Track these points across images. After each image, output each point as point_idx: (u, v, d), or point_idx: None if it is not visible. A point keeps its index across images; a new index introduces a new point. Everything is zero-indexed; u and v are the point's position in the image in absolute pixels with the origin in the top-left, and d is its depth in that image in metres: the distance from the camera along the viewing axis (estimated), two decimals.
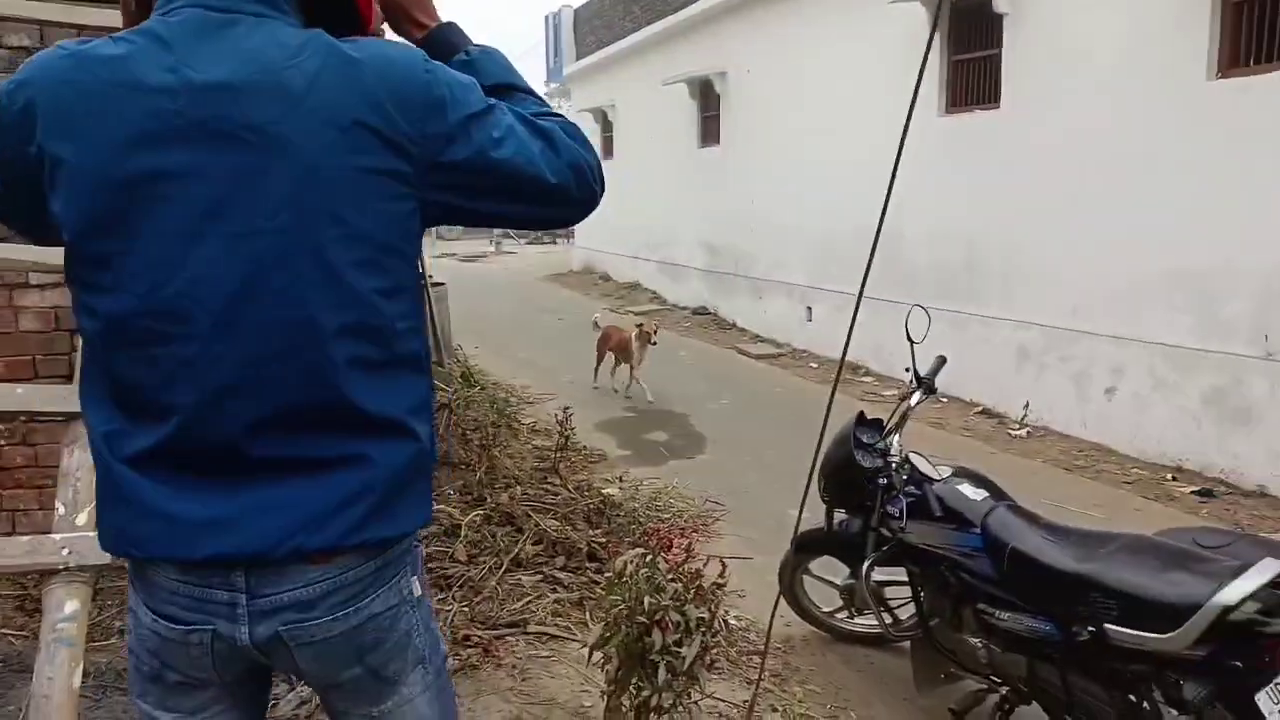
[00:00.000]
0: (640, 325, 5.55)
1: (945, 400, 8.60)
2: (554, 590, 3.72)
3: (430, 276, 8.93)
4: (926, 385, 3.65)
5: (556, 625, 3.51)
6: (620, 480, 5.89)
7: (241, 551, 1.24)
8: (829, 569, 4.01)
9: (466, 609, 3.46)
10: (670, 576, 2.62)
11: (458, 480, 4.37)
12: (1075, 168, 7.19)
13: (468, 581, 3.58)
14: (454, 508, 3.95)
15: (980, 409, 8.24)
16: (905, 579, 3.55)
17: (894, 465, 3.42)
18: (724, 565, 2.77)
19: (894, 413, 3.66)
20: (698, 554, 2.70)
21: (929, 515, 3.22)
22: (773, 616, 3.05)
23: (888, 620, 3.74)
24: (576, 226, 14.36)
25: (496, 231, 27.74)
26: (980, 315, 8.32)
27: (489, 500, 4.14)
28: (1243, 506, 5.82)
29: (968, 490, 3.22)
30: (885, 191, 2.67)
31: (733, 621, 4.17)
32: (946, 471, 3.34)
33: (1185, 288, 6.40)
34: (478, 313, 13.55)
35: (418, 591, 1.42)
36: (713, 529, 5.47)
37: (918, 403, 3.62)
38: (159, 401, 1.21)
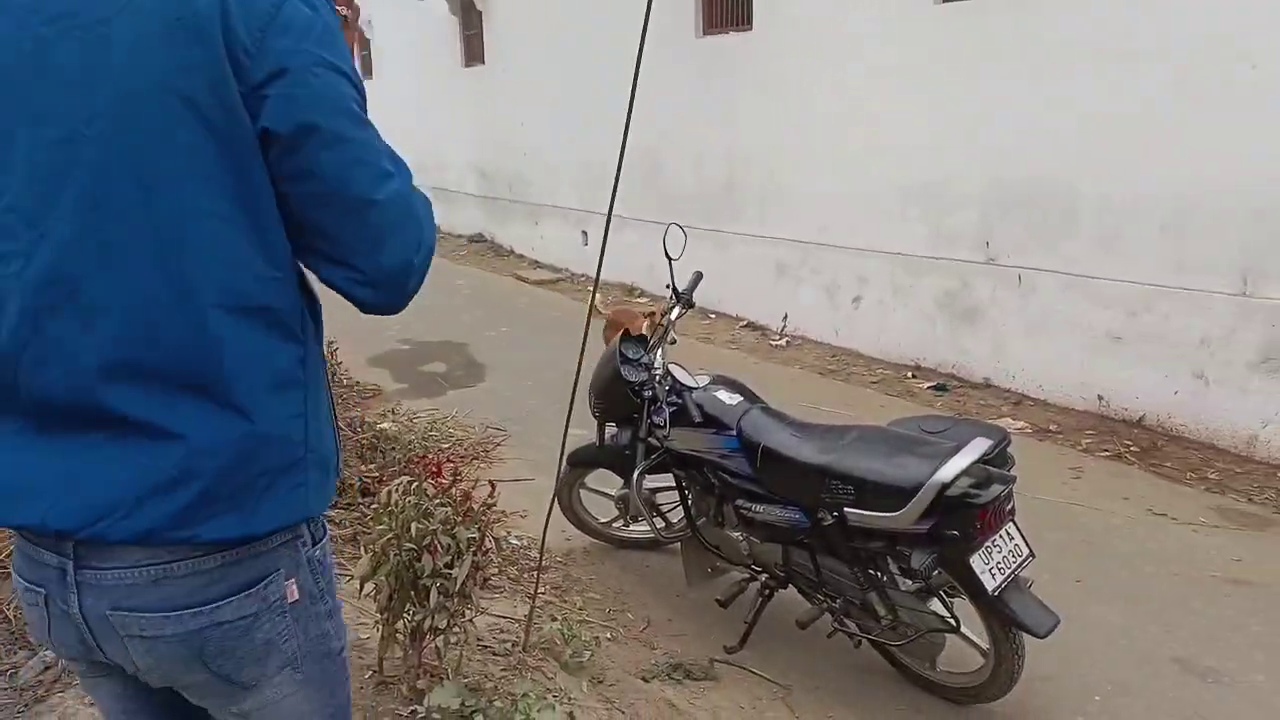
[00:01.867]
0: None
1: (714, 316, 9.00)
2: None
3: None
4: (684, 299, 3.80)
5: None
6: (392, 414, 5.77)
7: (46, 525, 1.13)
8: (604, 481, 4.15)
9: None
10: (438, 501, 2.61)
11: None
12: (818, 89, 7.59)
13: None
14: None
15: (745, 323, 8.67)
16: (673, 485, 3.74)
17: (657, 378, 3.55)
18: (493, 486, 2.79)
19: (656, 329, 3.79)
20: (465, 477, 2.69)
21: (690, 422, 3.39)
22: (545, 529, 3.12)
23: (659, 525, 3.93)
24: None
25: None
26: (741, 234, 8.70)
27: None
28: (971, 397, 6.51)
29: (723, 396, 3.41)
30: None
31: (514, 541, 4.24)
32: (705, 380, 3.51)
33: (919, 202, 6.96)
34: None
35: (292, 596, 1.26)
36: (494, 454, 5.50)
37: (677, 316, 3.76)
38: None
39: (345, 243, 1.20)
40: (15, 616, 3.00)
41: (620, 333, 5.38)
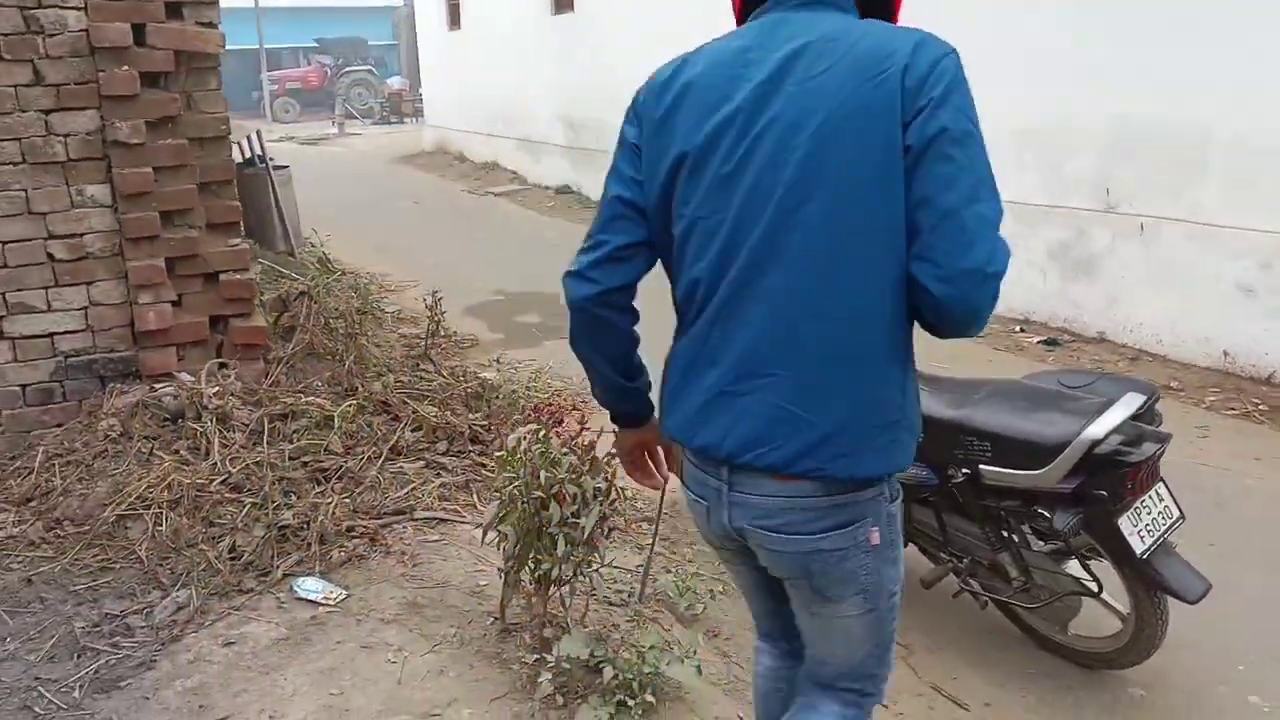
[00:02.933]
0: None
1: None
2: (438, 476, 3.65)
3: (271, 160, 8.36)
4: None
5: (444, 510, 3.45)
6: (496, 363, 5.78)
7: (717, 448, 1.56)
8: None
9: (349, 500, 3.35)
10: (564, 450, 2.58)
11: (325, 371, 4.17)
12: None
13: (346, 473, 3.45)
14: (324, 399, 3.78)
15: None
16: None
17: None
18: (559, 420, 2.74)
19: None
20: (590, 427, 2.64)
21: None
22: (664, 487, 3.06)
23: None
24: (426, 102, 13.64)
25: (338, 110, 26.25)
26: None
27: (361, 390, 3.98)
28: (1085, 352, 6.24)
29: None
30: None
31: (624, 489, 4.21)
32: None
33: (1033, 148, 6.64)
34: (325, 199, 12.85)
35: (874, 541, 1.60)
36: (591, 405, 5.46)
37: None
38: None
39: (935, 242, 1.42)
40: (147, 557, 3.09)
41: None
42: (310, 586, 2.88)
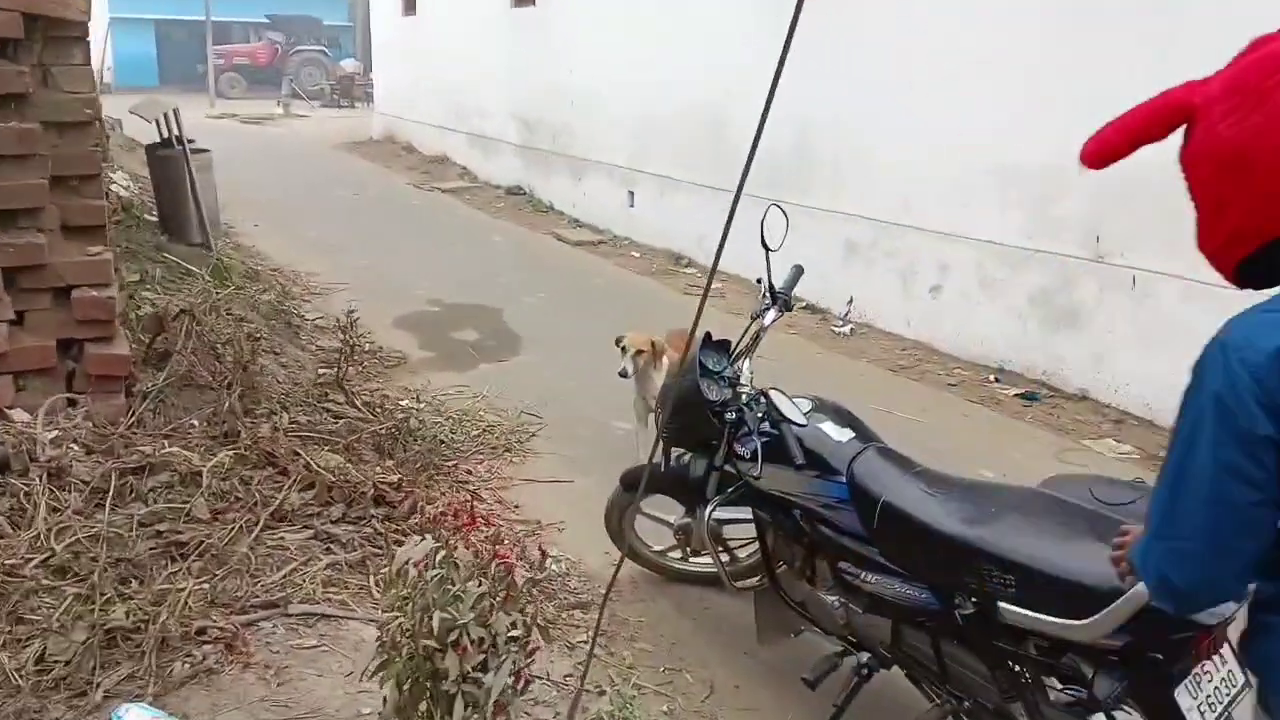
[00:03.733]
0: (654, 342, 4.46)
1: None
2: (328, 551, 2.99)
3: (191, 141, 7.58)
4: (783, 300, 3.11)
5: (329, 601, 2.79)
6: (418, 398, 5.10)
7: None
8: (663, 504, 3.49)
9: (207, 587, 2.67)
10: (471, 569, 1.95)
11: (206, 408, 3.49)
12: (913, 51, 6.76)
13: (209, 549, 2.78)
14: (193, 450, 3.09)
15: (803, 304, 7.91)
16: (747, 518, 3.07)
17: (745, 398, 2.87)
18: (544, 554, 2.12)
19: (745, 332, 3.09)
20: (507, 540, 2.02)
21: (785, 459, 2.69)
22: (606, 596, 2.46)
23: (728, 566, 3.27)
24: (377, 89, 12.83)
25: (285, 90, 25.16)
26: (808, 207, 7.89)
27: (244, 435, 3.30)
28: (1065, 410, 5.76)
29: (830, 430, 2.71)
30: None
31: (552, 565, 3.59)
32: (805, 406, 2.80)
33: (1018, 185, 6.16)
34: (259, 183, 12.04)
35: None
36: (528, 446, 4.84)
37: (773, 321, 3.07)
38: None
39: None
40: None
41: (687, 346, 4.44)
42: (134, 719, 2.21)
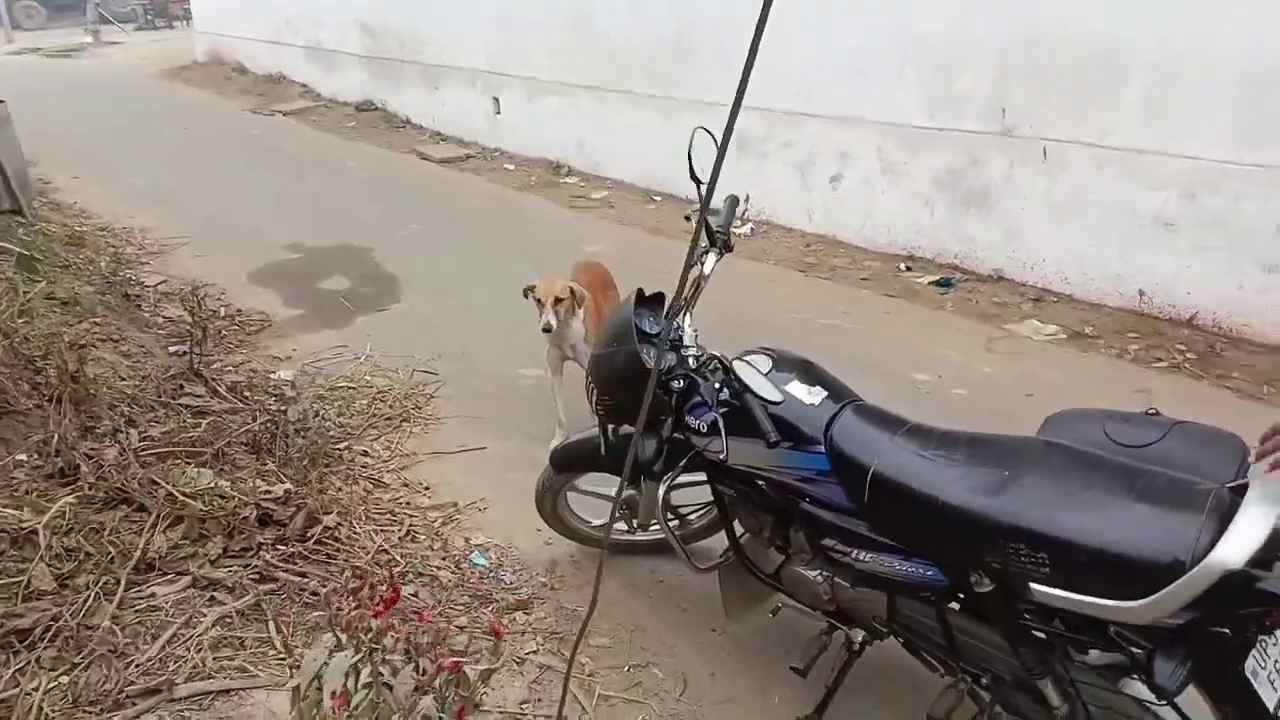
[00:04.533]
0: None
1: (659, 199, 7.78)
2: (212, 601, 2.46)
3: None
4: (722, 240, 2.66)
5: (225, 669, 2.28)
6: (292, 367, 4.48)
7: None
8: (599, 477, 3.06)
9: (65, 681, 2.13)
10: (403, 661, 1.49)
11: (33, 436, 2.84)
12: None
13: (61, 630, 2.22)
14: (23, 501, 2.48)
15: (697, 206, 7.46)
16: (701, 480, 2.69)
17: (693, 362, 2.44)
18: (498, 636, 1.68)
19: (682, 282, 2.62)
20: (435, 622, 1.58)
21: (750, 431, 2.29)
22: (584, 626, 2.04)
23: (679, 532, 2.91)
24: (196, 5, 11.36)
25: (90, 15, 22.55)
26: (693, 100, 7.38)
27: (84, 468, 2.69)
28: (982, 294, 5.56)
29: (799, 391, 2.30)
30: None
31: (479, 560, 3.15)
32: (764, 365, 2.38)
33: (916, 60, 5.79)
34: (75, 128, 10.66)
35: None
36: (428, 411, 4.31)
37: (713, 267, 2.62)
38: None
39: None
40: None
41: (595, 296, 3.93)
42: None
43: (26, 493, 2.55)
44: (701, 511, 3.08)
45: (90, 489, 2.64)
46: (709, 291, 2.65)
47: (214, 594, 2.48)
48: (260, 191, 8.16)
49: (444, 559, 3.10)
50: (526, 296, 3.81)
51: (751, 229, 6.95)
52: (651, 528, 3.06)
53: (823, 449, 2.21)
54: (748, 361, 2.39)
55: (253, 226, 7.13)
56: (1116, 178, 5.01)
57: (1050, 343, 4.91)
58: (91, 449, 2.81)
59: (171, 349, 4.65)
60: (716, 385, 2.28)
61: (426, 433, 4.10)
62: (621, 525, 3.15)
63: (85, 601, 2.32)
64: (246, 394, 3.94)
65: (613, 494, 3.02)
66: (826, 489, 2.23)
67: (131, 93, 13.79)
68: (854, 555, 2.24)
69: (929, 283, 5.77)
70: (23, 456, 2.76)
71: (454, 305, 5.53)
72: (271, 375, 4.48)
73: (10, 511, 2.38)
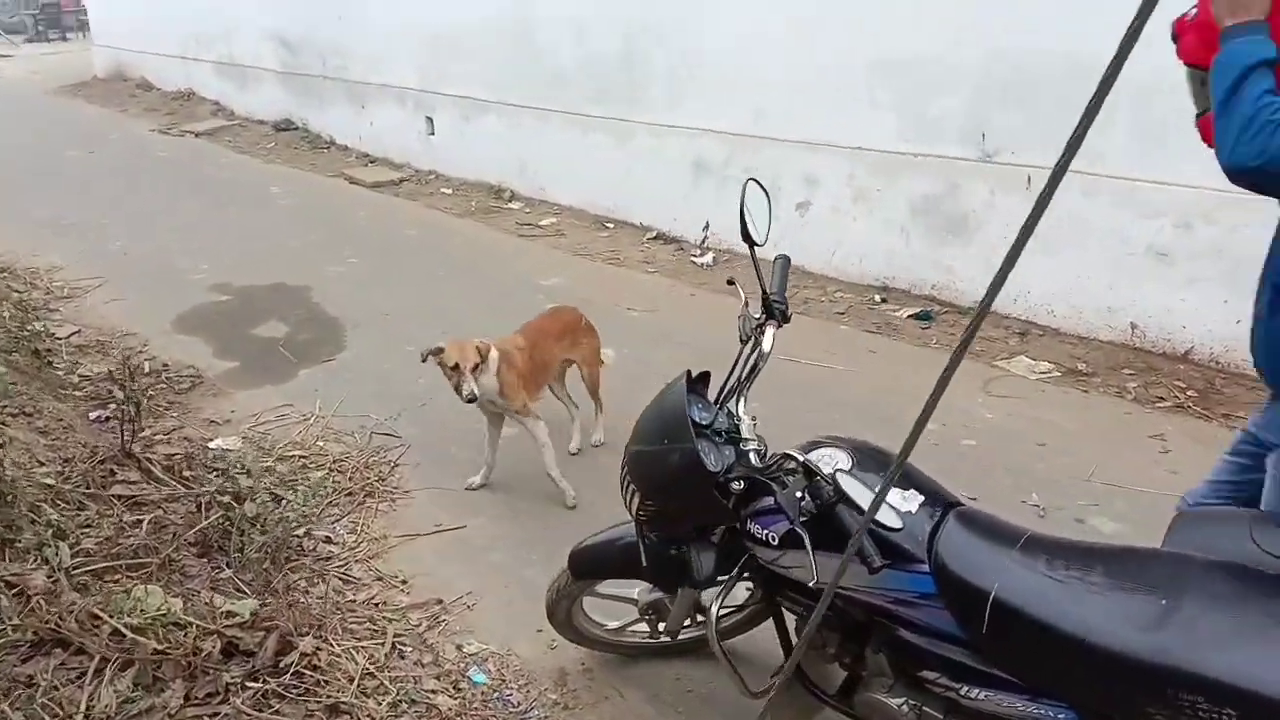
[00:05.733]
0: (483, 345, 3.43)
1: (612, 226, 7.41)
2: None
3: None
4: (780, 310, 2.31)
5: None
6: (229, 424, 3.97)
7: None
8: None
9: None
10: None
11: None
12: None
13: None
14: None
15: (654, 234, 7.14)
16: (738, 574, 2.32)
17: (752, 455, 2.08)
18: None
19: (736, 361, 2.26)
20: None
21: (832, 543, 1.93)
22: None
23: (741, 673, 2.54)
24: (94, 16, 10.59)
25: None
26: (647, 123, 7.05)
27: (5, 604, 2.18)
28: (963, 326, 5.32)
29: (890, 495, 1.96)
30: None
31: (478, 679, 2.72)
32: (843, 462, 2.03)
33: (888, 83, 5.56)
34: None
35: None
36: (393, 482, 3.85)
37: (773, 342, 2.27)
38: None
39: None
40: None
41: (551, 338, 3.59)
42: None
43: None
44: (730, 612, 2.71)
45: (14, 630, 2.14)
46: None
47: None
48: (177, 221, 7.52)
49: (438, 678, 2.67)
50: (425, 361, 3.44)
51: (713, 258, 6.63)
52: (681, 635, 2.69)
53: (927, 568, 1.88)
54: (855, 477, 2.02)
55: (172, 263, 6.51)
56: (1107, 206, 4.84)
57: (1046, 382, 4.70)
58: (14, 575, 2.30)
59: (93, 416, 4.10)
60: (799, 494, 1.91)
61: (395, 509, 3.65)
62: (642, 627, 2.77)
63: None
64: (186, 474, 3.43)
65: (635, 596, 2.67)
66: (931, 614, 1.89)
67: (28, 112, 12.83)
68: (961, 691, 1.91)
69: (908, 316, 5.53)
70: None
71: (402, 349, 5.04)
72: (210, 445, 3.96)
73: None
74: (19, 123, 11.76)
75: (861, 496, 1.86)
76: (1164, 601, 1.66)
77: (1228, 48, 1.79)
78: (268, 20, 11.01)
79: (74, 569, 2.45)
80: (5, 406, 3.48)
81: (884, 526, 1.86)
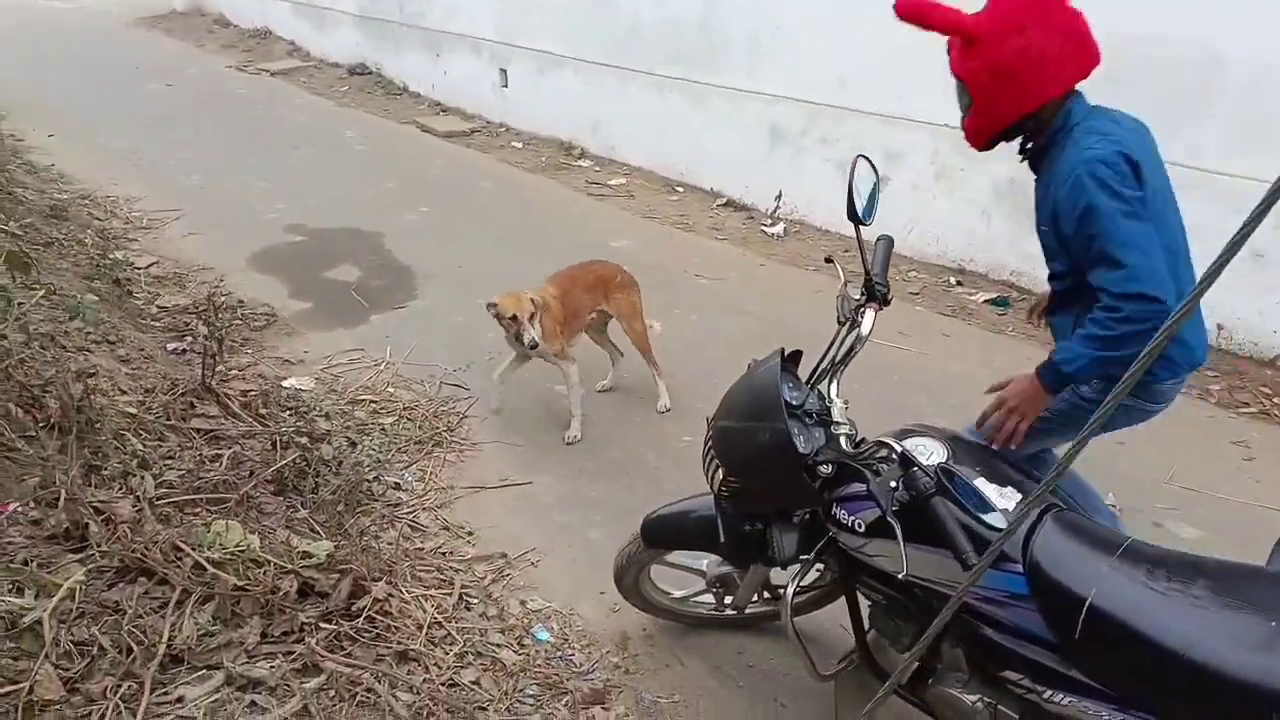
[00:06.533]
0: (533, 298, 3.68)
1: (682, 190, 7.33)
2: (252, 708, 2.04)
3: None
4: (881, 293, 2.26)
5: None
6: (302, 365, 4.02)
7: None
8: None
9: None
10: None
11: (30, 477, 2.37)
12: None
13: None
14: (22, 574, 2.02)
15: (724, 200, 7.05)
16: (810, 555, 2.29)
17: (843, 439, 2.04)
18: None
19: (833, 342, 2.22)
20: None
21: (923, 536, 1.90)
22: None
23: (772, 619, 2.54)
24: None
25: None
26: (723, 87, 6.93)
27: (94, 529, 2.23)
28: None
29: (987, 492, 1.91)
30: None
31: (542, 635, 2.74)
32: (938, 453, 1.98)
33: None
34: (49, 80, 9.99)
35: None
36: (461, 432, 3.88)
37: (872, 325, 2.21)
38: None
39: None
40: None
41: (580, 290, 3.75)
42: None
43: (25, 562, 2.10)
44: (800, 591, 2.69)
45: (102, 556, 2.19)
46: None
47: (253, 698, 2.05)
48: (253, 160, 7.60)
49: (503, 632, 2.69)
50: (491, 311, 3.69)
51: (784, 229, 6.53)
52: (747, 610, 2.68)
53: (1020, 568, 1.83)
54: (915, 445, 1.99)
55: (248, 201, 6.59)
56: (1203, 201, 4.61)
57: None
58: (101, 502, 2.35)
59: (170, 347, 4.18)
60: (893, 483, 1.87)
61: (462, 460, 3.68)
62: (708, 598, 2.76)
63: (103, 713, 1.88)
64: (261, 412, 3.48)
65: (704, 568, 2.66)
66: (1020, 615, 1.84)
67: (109, 42, 13.01)
68: (1044, 694, 1.87)
69: (984, 301, 5.41)
70: (17, 506, 2.29)
71: (477, 304, 5.04)
72: (284, 383, 4.02)
73: (10, 599, 1.93)
74: (102, 54, 11.93)
75: (963, 492, 1.82)
76: (1274, 624, 1.60)
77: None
78: None
79: (156, 499, 2.50)
80: (90, 334, 3.54)
81: (986, 525, 1.81)
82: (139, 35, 13.68)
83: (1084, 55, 2.28)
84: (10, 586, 2.03)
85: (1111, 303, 2.10)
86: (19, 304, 2.63)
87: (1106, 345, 2.12)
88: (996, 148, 2.49)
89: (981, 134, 2.38)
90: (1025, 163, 2.44)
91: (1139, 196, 2.15)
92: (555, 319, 3.78)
